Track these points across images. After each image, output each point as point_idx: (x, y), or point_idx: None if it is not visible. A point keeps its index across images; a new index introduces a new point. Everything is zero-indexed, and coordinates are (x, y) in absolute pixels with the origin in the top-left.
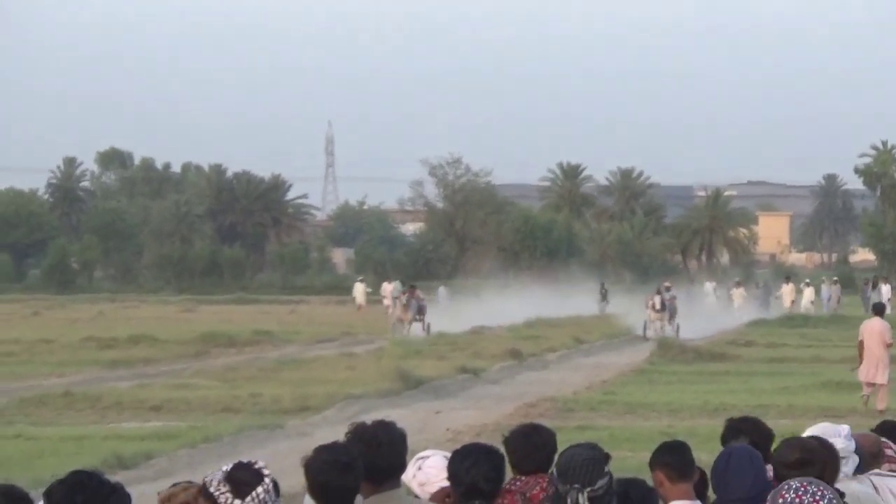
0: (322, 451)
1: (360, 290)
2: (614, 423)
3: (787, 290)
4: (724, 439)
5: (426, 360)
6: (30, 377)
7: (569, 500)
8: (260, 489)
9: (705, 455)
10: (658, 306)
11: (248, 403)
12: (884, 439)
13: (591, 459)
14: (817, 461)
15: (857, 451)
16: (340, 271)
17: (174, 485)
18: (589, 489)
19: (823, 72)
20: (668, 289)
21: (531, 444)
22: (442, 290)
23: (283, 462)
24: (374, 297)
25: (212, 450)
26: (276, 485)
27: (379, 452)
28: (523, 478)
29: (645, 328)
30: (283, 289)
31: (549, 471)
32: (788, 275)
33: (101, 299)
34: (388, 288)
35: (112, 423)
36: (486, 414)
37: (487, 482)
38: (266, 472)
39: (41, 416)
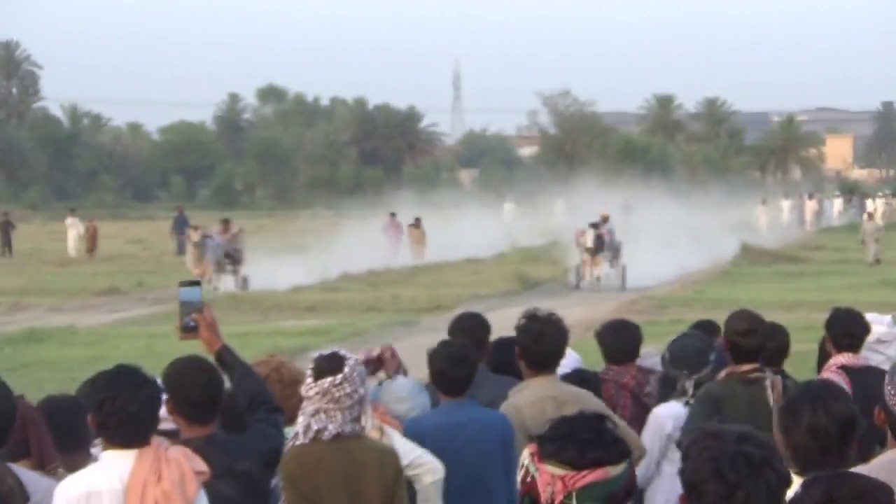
0: (443, 345)
1: (508, 209)
2: (702, 317)
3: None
4: (828, 325)
5: (541, 265)
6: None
7: (678, 385)
8: (342, 374)
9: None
10: (590, 244)
11: (389, 303)
12: None
13: (700, 350)
14: (759, 331)
15: None
16: (466, 189)
17: (270, 355)
18: (696, 376)
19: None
20: (605, 220)
21: (620, 337)
22: (560, 201)
23: (417, 353)
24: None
25: (359, 343)
26: (361, 371)
27: (541, 340)
28: (615, 367)
29: (577, 275)
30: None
31: (662, 354)
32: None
33: (261, 215)
34: None
35: (273, 322)
36: (593, 310)
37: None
38: (349, 360)
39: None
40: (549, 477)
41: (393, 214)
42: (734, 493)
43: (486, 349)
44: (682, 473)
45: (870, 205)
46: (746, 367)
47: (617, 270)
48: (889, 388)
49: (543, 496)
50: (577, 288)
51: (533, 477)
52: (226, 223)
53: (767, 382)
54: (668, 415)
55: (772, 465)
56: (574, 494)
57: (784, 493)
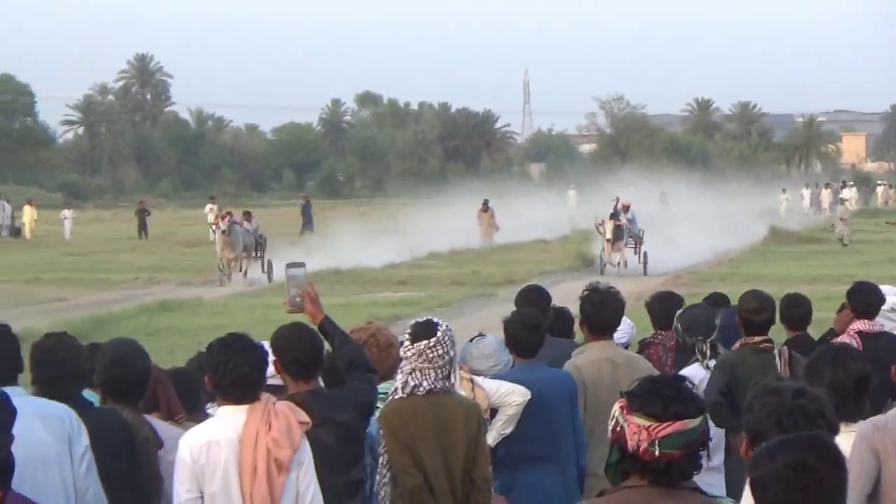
0: (517, 314)
1: (571, 196)
2: (737, 289)
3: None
4: (849, 295)
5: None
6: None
7: (696, 349)
8: (435, 337)
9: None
10: (609, 235)
11: (469, 278)
12: None
13: (707, 318)
14: (768, 308)
15: None
16: (535, 181)
17: (368, 322)
18: (709, 339)
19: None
20: (626, 209)
21: (666, 307)
22: (571, 192)
23: (494, 321)
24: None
25: (444, 313)
26: (451, 335)
27: (601, 310)
28: (662, 333)
29: (602, 262)
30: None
31: (674, 326)
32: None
33: (360, 203)
34: None
35: (370, 294)
36: (642, 284)
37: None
38: (441, 326)
39: (318, 290)
40: (636, 427)
41: (486, 201)
42: None
43: (547, 317)
44: (747, 424)
45: (846, 192)
46: (757, 338)
47: (639, 256)
48: None
49: (630, 443)
50: (601, 273)
51: (622, 427)
52: (247, 214)
53: (776, 351)
54: (693, 376)
55: (824, 416)
56: (657, 442)
57: (833, 441)
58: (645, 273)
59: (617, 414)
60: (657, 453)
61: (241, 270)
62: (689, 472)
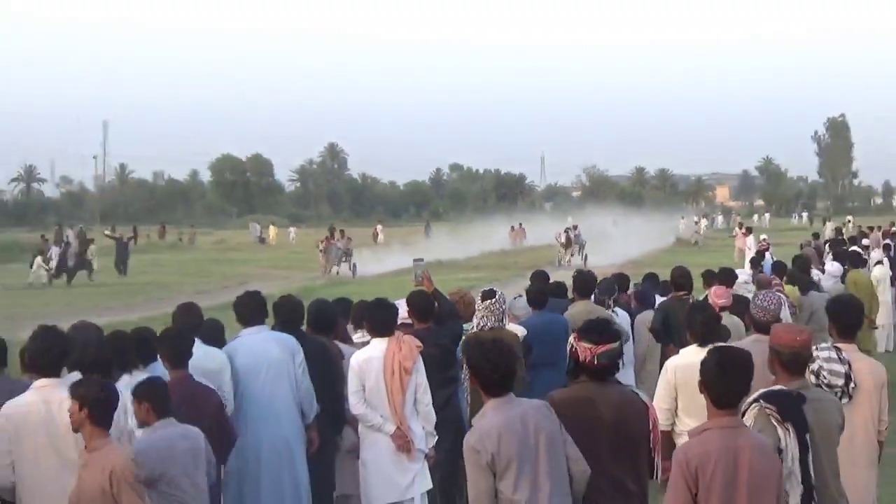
0: (534, 285)
1: (569, 220)
2: (651, 270)
3: None
4: (718, 274)
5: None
6: None
7: (605, 303)
8: (495, 298)
9: None
10: (563, 240)
11: (510, 265)
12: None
13: (609, 284)
14: (687, 276)
15: None
16: (547, 212)
17: (458, 289)
18: (613, 297)
19: None
20: (574, 227)
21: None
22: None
23: (520, 290)
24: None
25: (497, 284)
26: (503, 296)
27: (587, 278)
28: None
29: (558, 259)
30: None
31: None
32: None
33: (454, 225)
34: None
35: (458, 274)
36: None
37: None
38: (498, 292)
39: (430, 271)
40: (583, 348)
41: (520, 224)
42: None
43: (548, 288)
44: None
45: (701, 220)
46: (681, 293)
47: (581, 257)
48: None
49: (581, 357)
50: (558, 267)
51: (575, 348)
52: (341, 232)
53: (690, 300)
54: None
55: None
56: (596, 357)
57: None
58: (585, 267)
59: (572, 341)
60: (596, 362)
61: (334, 272)
62: (613, 372)
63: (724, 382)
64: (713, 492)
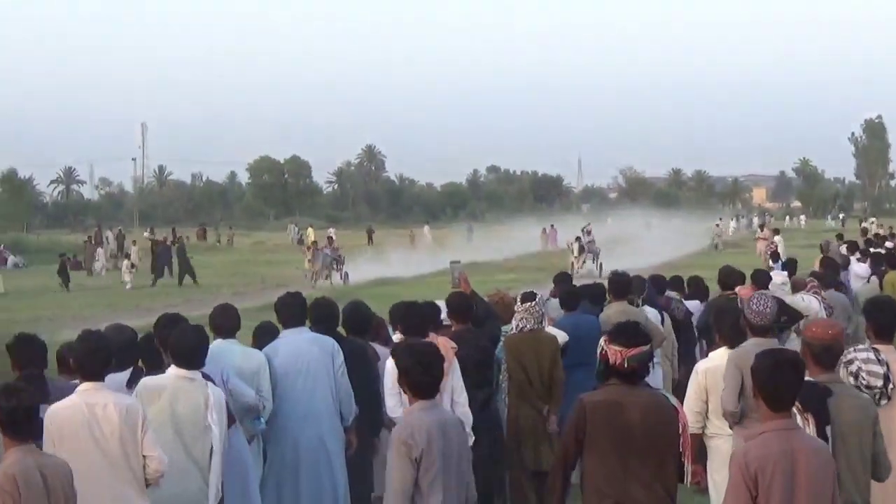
0: (561, 285)
1: (609, 222)
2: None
3: None
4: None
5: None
6: None
7: (633, 301)
8: (535, 300)
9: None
10: (576, 251)
11: (544, 267)
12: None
13: (639, 283)
14: (737, 275)
15: None
16: (584, 213)
17: (497, 290)
18: (641, 295)
19: None
20: (588, 233)
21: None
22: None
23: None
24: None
25: (534, 286)
26: (542, 298)
27: (624, 281)
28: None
29: (572, 267)
30: None
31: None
32: None
33: (492, 226)
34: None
35: (494, 276)
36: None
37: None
38: (538, 294)
39: (467, 273)
40: (614, 351)
41: (552, 225)
42: None
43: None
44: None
45: (730, 222)
46: (728, 292)
47: (596, 265)
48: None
49: (612, 360)
50: (570, 271)
51: (605, 351)
52: (330, 239)
53: (738, 299)
54: (649, 315)
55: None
56: (626, 360)
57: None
58: (600, 276)
59: (603, 344)
60: (627, 366)
61: (326, 278)
62: (643, 376)
63: (779, 384)
64: (773, 495)
